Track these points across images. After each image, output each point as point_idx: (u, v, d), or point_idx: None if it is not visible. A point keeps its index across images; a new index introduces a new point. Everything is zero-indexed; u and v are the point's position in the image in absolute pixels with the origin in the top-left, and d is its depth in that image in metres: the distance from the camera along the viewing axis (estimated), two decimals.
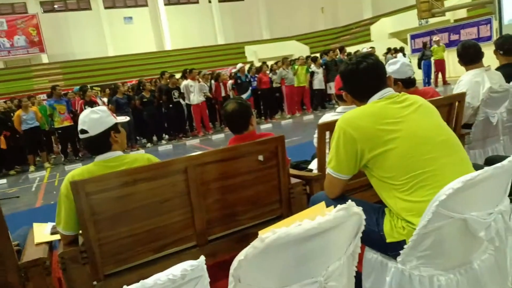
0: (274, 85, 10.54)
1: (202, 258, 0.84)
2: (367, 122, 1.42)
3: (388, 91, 1.51)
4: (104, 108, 1.83)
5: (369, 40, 17.92)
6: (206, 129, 9.85)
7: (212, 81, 10.16)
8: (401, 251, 1.33)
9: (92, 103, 8.12)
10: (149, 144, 9.26)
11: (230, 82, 10.34)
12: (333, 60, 11.00)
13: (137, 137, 9.61)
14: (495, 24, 11.54)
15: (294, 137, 7.19)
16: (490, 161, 1.72)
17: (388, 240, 1.40)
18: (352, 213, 1.00)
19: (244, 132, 2.12)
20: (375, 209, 1.50)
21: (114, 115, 1.81)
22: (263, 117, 10.69)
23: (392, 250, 1.39)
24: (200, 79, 9.63)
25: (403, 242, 1.35)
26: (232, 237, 1.95)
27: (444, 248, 1.28)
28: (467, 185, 1.15)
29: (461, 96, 2.72)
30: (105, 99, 9.77)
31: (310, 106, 11.08)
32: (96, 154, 1.74)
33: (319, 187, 2.07)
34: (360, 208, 1.05)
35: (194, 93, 9.20)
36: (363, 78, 1.54)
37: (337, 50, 12.02)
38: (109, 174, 1.57)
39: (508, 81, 3.02)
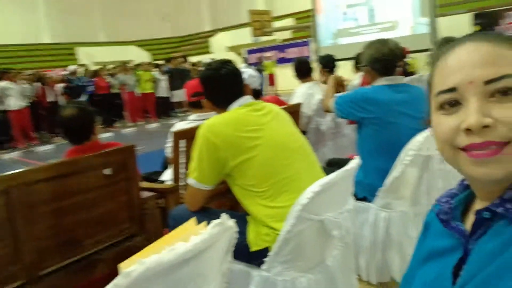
0: (113, 90, 9.78)
1: None
2: (230, 130, 1.38)
3: (248, 98, 1.51)
4: None
5: (209, 52, 18.58)
6: (29, 139, 8.37)
7: (38, 83, 8.73)
8: (265, 259, 1.32)
9: None
10: None
11: (60, 85, 9.10)
12: (177, 68, 10.93)
13: None
14: (313, 46, 13.51)
15: (138, 146, 6.76)
16: (332, 163, 1.92)
17: (252, 249, 1.39)
18: (227, 228, 0.92)
19: (86, 143, 1.82)
20: (238, 218, 1.46)
21: None
22: (102, 125, 9.75)
23: (257, 258, 1.37)
24: (21, 81, 8.15)
25: (267, 249, 1.35)
26: (73, 268, 1.63)
27: (304, 250, 1.33)
28: (325, 188, 1.22)
29: (297, 106, 3.00)
30: None
31: (155, 114, 10.70)
32: None
33: (175, 199, 1.94)
34: (233, 220, 0.98)
35: (13, 97, 7.72)
36: (224, 84, 1.50)
37: (181, 58, 12.02)
38: None
39: None
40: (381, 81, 1.93)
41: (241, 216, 1.47)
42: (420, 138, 1.70)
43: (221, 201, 2.03)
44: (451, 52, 0.56)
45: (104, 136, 8.54)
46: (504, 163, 0.49)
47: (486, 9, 10.49)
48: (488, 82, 0.50)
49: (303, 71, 3.33)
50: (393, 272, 1.90)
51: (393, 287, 1.92)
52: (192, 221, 0.96)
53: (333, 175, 1.24)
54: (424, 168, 1.87)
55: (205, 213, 1.49)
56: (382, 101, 1.86)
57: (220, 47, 18.72)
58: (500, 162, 0.49)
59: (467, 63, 0.53)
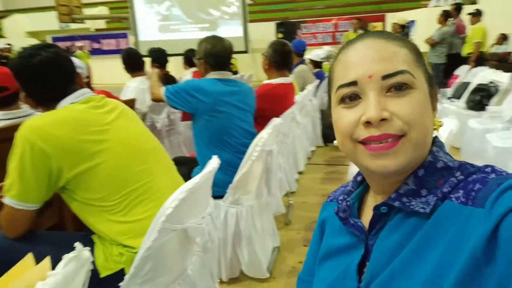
0: None
1: None
2: (66, 132, 1.09)
3: (85, 92, 1.24)
4: None
5: (2, 36, 15.38)
6: None
7: None
8: (120, 283, 1.12)
9: None
10: None
11: None
12: None
13: None
14: (131, 39, 12.81)
15: None
16: (179, 162, 1.81)
17: (103, 275, 1.15)
18: (84, 261, 0.71)
19: None
20: (81, 240, 1.19)
21: None
22: None
23: (109, 285, 1.15)
24: None
25: (122, 272, 1.14)
26: None
27: (166, 265, 1.18)
28: (190, 193, 1.10)
29: (132, 102, 2.75)
30: None
31: None
32: None
33: None
34: (88, 248, 0.77)
35: None
36: (40, 76, 1.17)
37: None
38: None
39: None
40: (212, 75, 1.98)
41: (83, 237, 1.21)
42: (265, 134, 1.77)
43: (41, 218, 1.64)
44: (352, 48, 0.57)
45: None
46: (399, 156, 0.52)
47: (287, 20, 12.15)
48: (385, 77, 0.52)
49: (133, 65, 3.06)
50: (243, 266, 1.93)
51: (242, 282, 1.96)
52: (29, 258, 0.70)
53: (197, 178, 1.13)
54: (266, 162, 1.97)
55: (29, 239, 1.16)
56: (211, 91, 1.90)
57: (17, 32, 15.72)
58: (396, 154, 0.52)
59: (367, 58, 0.54)
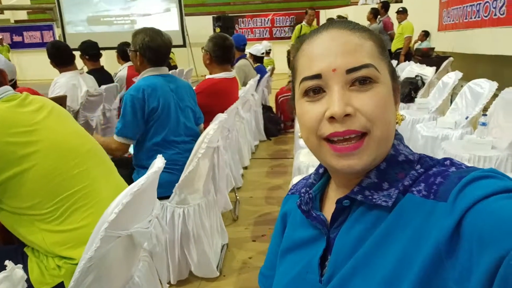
0: None
1: None
2: None
3: (6, 90, 1.09)
4: None
5: None
6: None
7: None
8: None
9: None
10: None
11: None
12: None
13: None
14: (57, 31, 11.89)
15: None
16: (115, 163, 1.69)
17: None
18: (18, 280, 0.62)
19: None
20: (11, 254, 1.06)
21: None
22: None
23: None
24: None
25: (61, 286, 1.04)
26: None
27: (110, 275, 1.10)
28: (135, 196, 1.03)
29: (63, 100, 2.53)
30: None
31: None
32: None
33: None
34: (21, 266, 0.67)
35: None
36: None
37: None
38: None
39: (99, 85, 3.15)
40: (151, 71, 1.87)
41: (14, 251, 1.08)
42: (211, 131, 1.72)
43: None
44: (316, 38, 0.55)
45: None
46: (364, 155, 0.52)
47: (224, 14, 12.06)
48: (349, 71, 0.51)
49: (61, 59, 2.82)
50: (192, 267, 1.88)
51: (192, 283, 1.90)
52: None
53: (142, 180, 1.06)
54: (212, 159, 1.93)
55: None
56: (161, 89, 1.80)
57: None
58: (361, 154, 0.51)
59: (332, 50, 0.53)
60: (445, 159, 0.53)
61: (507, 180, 0.44)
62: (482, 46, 5.19)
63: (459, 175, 0.47)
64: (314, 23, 6.29)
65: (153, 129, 1.81)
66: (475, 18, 5.39)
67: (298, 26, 6.62)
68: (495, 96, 2.65)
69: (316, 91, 0.54)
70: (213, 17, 11.68)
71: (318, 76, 0.53)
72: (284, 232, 0.69)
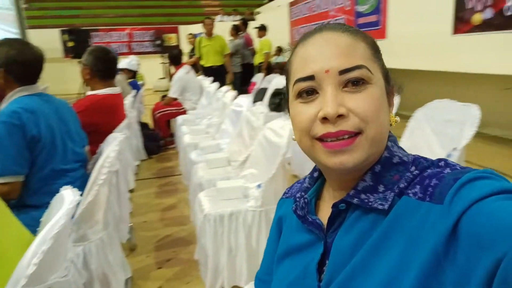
0: None
1: None
2: None
3: None
4: None
5: None
6: None
7: None
8: None
9: None
10: None
11: None
12: None
13: None
14: None
15: None
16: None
17: None
18: None
19: None
20: None
21: None
22: None
23: None
24: None
25: None
26: None
27: None
28: (55, 241, 0.83)
29: None
30: None
31: None
32: None
33: None
34: None
35: None
36: None
37: None
38: None
39: None
40: (22, 91, 1.59)
41: None
42: (111, 153, 1.53)
43: None
44: (310, 41, 0.55)
45: None
46: (356, 152, 0.51)
47: (75, 27, 11.01)
48: (342, 72, 0.52)
49: None
50: None
51: None
52: None
53: (62, 219, 0.87)
54: (111, 185, 1.72)
55: None
56: (41, 113, 1.53)
57: None
58: (352, 151, 0.51)
59: (325, 52, 0.53)
60: (439, 160, 0.54)
61: (503, 181, 0.45)
62: None
63: (454, 176, 0.47)
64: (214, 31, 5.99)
65: (38, 162, 1.51)
66: None
67: (197, 39, 6.34)
68: None
69: (309, 93, 0.53)
70: (61, 30, 10.55)
71: (311, 78, 0.53)
72: (280, 237, 0.67)
